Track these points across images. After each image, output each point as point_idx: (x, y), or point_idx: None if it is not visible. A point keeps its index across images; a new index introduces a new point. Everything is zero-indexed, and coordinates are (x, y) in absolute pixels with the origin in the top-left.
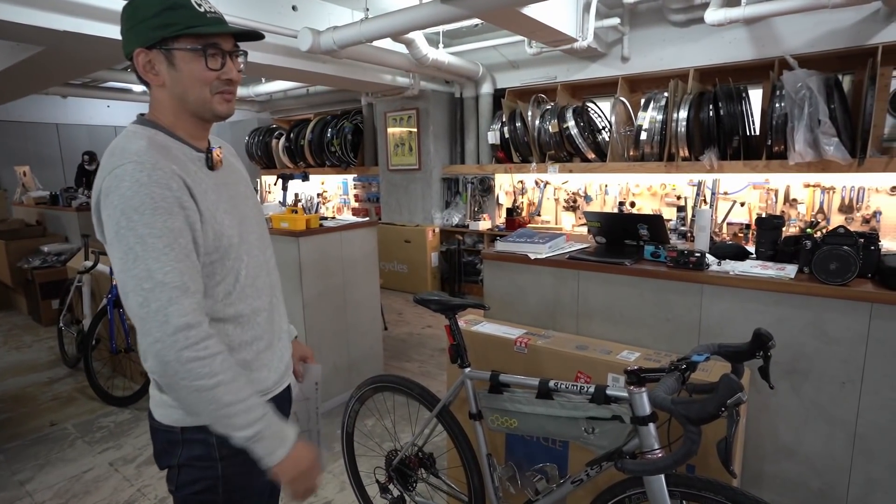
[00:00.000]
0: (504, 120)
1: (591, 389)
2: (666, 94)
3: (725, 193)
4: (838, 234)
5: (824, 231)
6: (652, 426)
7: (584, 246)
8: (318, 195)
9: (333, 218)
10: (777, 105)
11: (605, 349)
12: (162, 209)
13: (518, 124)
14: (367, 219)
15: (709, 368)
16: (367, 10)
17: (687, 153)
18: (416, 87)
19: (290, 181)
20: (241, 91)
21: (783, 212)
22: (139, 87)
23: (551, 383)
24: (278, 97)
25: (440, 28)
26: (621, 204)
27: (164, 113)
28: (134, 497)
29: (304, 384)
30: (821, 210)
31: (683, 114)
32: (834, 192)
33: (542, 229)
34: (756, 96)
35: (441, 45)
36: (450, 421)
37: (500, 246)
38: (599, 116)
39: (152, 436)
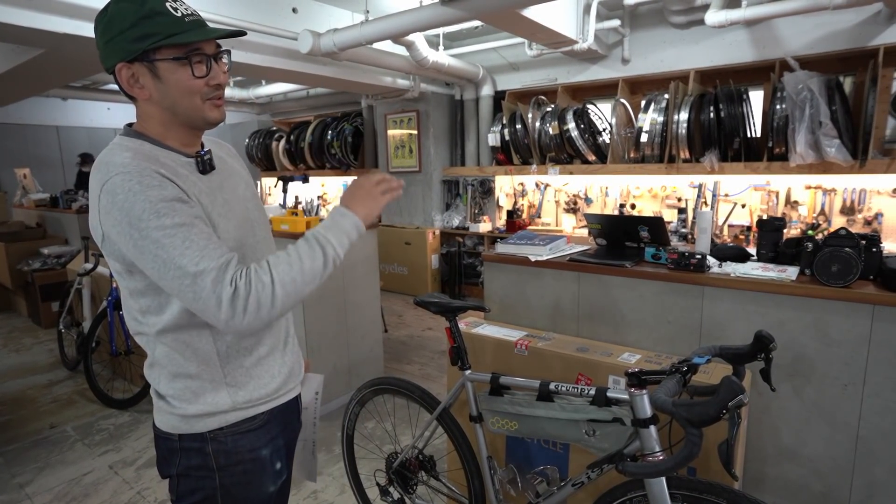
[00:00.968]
0: (504, 122)
1: (592, 391)
2: (666, 95)
3: (726, 195)
4: (840, 235)
5: (826, 233)
6: (653, 428)
7: (585, 248)
8: (319, 197)
9: None
10: (778, 106)
11: (605, 351)
12: (164, 210)
13: (518, 126)
14: None
15: (710, 370)
16: (368, 12)
17: (688, 155)
18: (417, 89)
19: (290, 183)
20: (241, 93)
21: (784, 214)
22: None
23: (552, 385)
24: (278, 99)
25: (440, 30)
26: (622, 206)
27: (153, 124)
28: (133, 500)
29: (303, 393)
30: (822, 212)
31: (684, 115)
32: (835, 194)
33: (542, 231)
34: (757, 98)
35: (441, 47)
36: (450, 423)
37: (501, 248)
38: (600, 118)
39: (155, 443)
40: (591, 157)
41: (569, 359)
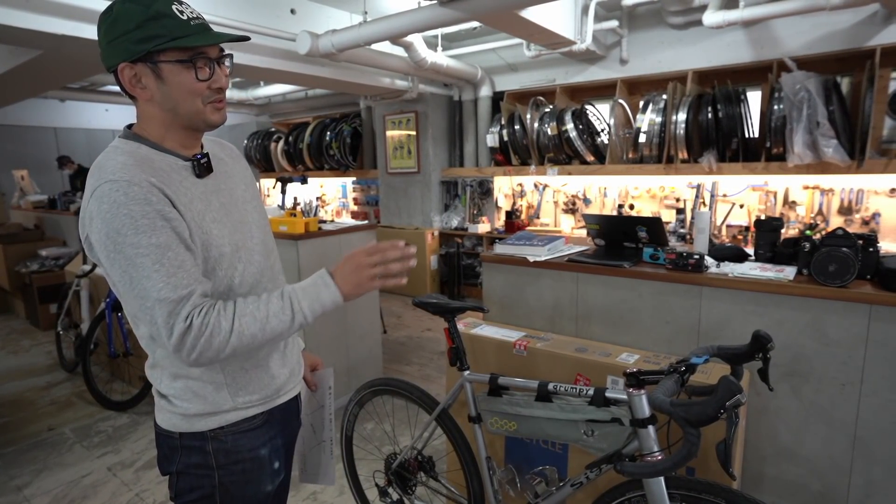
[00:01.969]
0: (503, 123)
1: (591, 392)
2: (665, 96)
3: (724, 195)
4: (837, 235)
5: (823, 233)
6: (651, 428)
7: (584, 248)
8: (317, 198)
9: (332, 221)
10: (776, 107)
11: (604, 351)
12: (144, 226)
13: (517, 127)
14: (367, 222)
15: (708, 370)
16: (366, 13)
17: (686, 155)
18: (415, 90)
19: (288, 184)
20: (240, 94)
21: (782, 214)
22: None
23: (550, 386)
24: (277, 100)
25: (439, 31)
26: (620, 206)
27: (154, 126)
28: (132, 502)
29: (318, 392)
30: (820, 212)
31: (682, 116)
32: (833, 194)
33: (541, 232)
34: (755, 98)
35: (440, 48)
36: (449, 424)
37: (500, 248)
38: (598, 119)
39: (156, 441)
40: (590, 158)
41: (567, 359)
